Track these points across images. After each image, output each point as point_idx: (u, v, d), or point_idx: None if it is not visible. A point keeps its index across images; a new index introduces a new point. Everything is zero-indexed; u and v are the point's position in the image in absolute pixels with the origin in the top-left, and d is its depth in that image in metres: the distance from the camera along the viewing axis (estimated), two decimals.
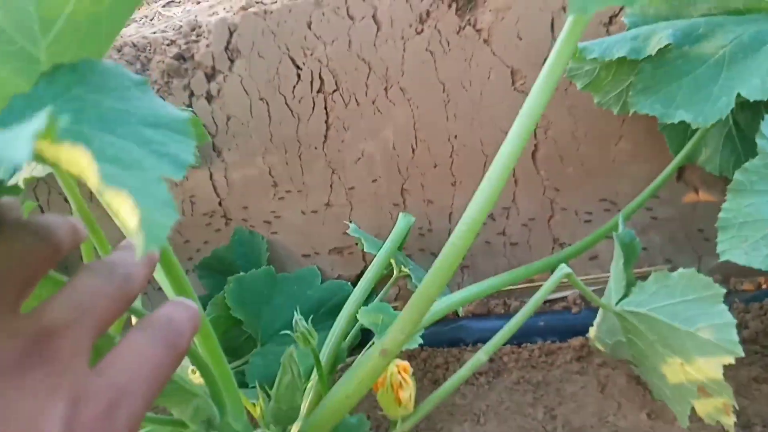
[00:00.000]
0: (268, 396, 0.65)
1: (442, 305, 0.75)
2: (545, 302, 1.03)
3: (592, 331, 0.81)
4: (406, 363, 0.65)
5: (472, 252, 1.05)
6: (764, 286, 0.93)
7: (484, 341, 0.97)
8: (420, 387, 0.94)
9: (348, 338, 0.86)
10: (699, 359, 0.60)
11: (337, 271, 1.09)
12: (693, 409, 0.69)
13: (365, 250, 0.85)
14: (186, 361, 0.56)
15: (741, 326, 0.87)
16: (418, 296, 0.54)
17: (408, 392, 0.63)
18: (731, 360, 0.58)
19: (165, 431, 0.58)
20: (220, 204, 1.07)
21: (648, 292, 0.65)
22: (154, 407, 0.53)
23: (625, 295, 0.68)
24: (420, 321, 0.56)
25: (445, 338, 1.00)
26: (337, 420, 0.61)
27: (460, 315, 1.02)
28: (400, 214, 0.89)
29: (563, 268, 0.63)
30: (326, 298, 1.02)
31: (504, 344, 0.96)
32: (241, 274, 0.99)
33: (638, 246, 0.73)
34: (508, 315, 1.01)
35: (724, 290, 0.60)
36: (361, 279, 0.84)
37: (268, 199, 1.04)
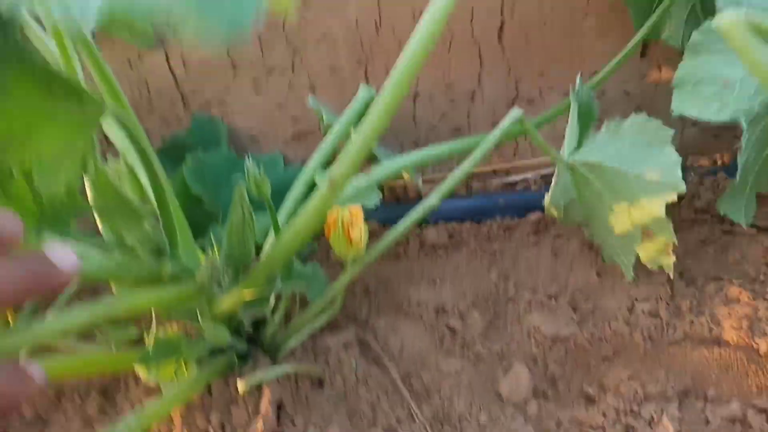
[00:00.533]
0: None
1: (397, 164, 0.75)
2: (505, 184, 1.04)
3: (547, 198, 0.82)
4: (357, 207, 0.65)
5: (439, 137, 1.04)
6: (719, 163, 0.95)
7: (446, 220, 0.99)
8: (381, 263, 0.95)
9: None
10: (644, 200, 0.61)
11: (299, 157, 1.08)
12: (638, 262, 0.71)
13: (324, 121, 0.84)
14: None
15: (695, 197, 0.88)
16: (363, 127, 0.53)
17: (358, 231, 0.63)
18: (674, 197, 0.59)
19: (115, 260, 0.57)
20: (177, 88, 1.04)
21: (599, 141, 0.66)
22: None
23: (578, 148, 0.68)
24: (366, 153, 0.55)
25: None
26: (288, 256, 0.61)
27: (422, 196, 1.03)
28: (361, 86, 0.88)
29: (516, 111, 0.63)
30: (289, 182, 1.01)
31: (463, 221, 0.98)
32: (200, 153, 0.97)
33: (595, 105, 0.73)
34: (470, 196, 1.02)
35: (672, 131, 0.61)
36: (318, 147, 0.83)
37: (228, 82, 1.02)
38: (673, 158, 0.58)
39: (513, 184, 1.03)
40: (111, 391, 0.77)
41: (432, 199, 0.65)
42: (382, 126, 0.54)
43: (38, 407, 0.76)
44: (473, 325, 0.76)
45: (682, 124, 0.97)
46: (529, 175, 1.02)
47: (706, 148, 0.97)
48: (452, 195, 1.03)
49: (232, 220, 0.61)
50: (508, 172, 1.04)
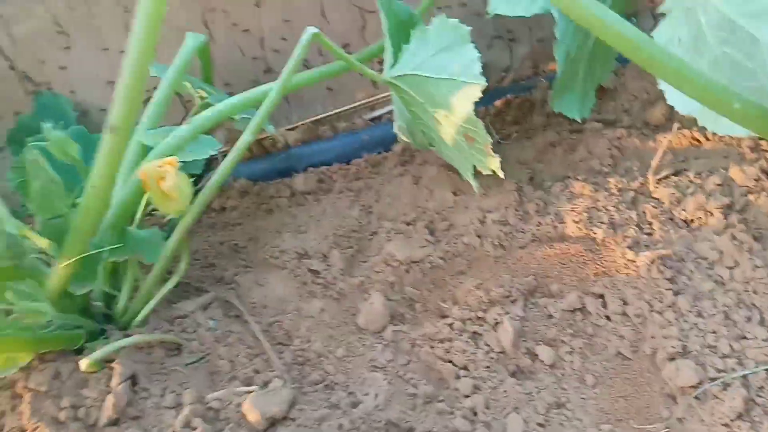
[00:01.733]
0: None
1: (215, 111, 0.71)
2: (371, 119, 1.02)
3: (395, 127, 0.81)
4: (170, 158, 0.61)
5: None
6: None
7: (315, 166, 0.97)
8: (254, 218, 0.93)
9: None
10: (455, 103, 0.60)
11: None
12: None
13: (152, 74, 0.79)
14: None
15: (545, 102, 0.89)
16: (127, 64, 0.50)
17: (170, 182, 0.60)
18: (478, 93, 0.58)
19: None
20: (11, 68, 0.96)
21: (411, 52, 0.64)
22: None
23: (395, 63, 0.66)
24: (141, 89, 0.52)
25: (276, 170, 0.97)
26: (98, 214, 0.58)
27: (290, 144, 1.00)
28: (188, 34, 0.83)
29: (310, 29, 0.60)
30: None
31: (331, 164, 0.96)
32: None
33: (415, 16, 0.71)
34: (335, 138, 1.00)
35: (469, 28, 0.59)
36: (149, 102, 0.78)
37: (60, 50, 0.95)
38: (472, 54, 0.57)
39: (379, 118, 1.01)
40: None
41: (246, 136, 0.62)
42: (147, 53, 0.50)
43: None
44: (334, 264, 0.75)
45: (530, 34, 0.97)
46: (391, 107, 1.00)
47: (550, 54, 0.97)
48: (318, 139, 1.01)
49: (33, 188, 0.58)
50: (372, 108, 1.02)
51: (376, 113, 1.01)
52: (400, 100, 0.69)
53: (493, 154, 0.62)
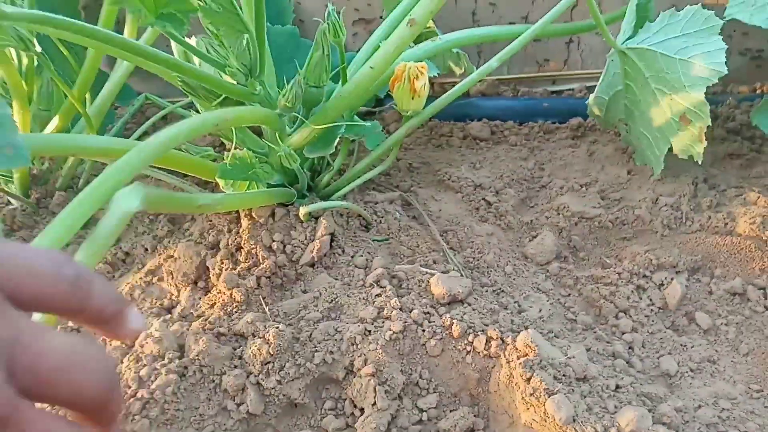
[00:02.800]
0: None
1: (459, 36, 0.80)
2: (552, 92, 1.09)
3: (591, 97, 0.87)
4: (422, 63, 0.71)
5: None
6: (758, 91, 0.99)
7: (490, 119, 1.05)
8: (424, 149, 1.02)
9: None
10: (687, 85, 0.67)
11: (358, 45, 1.14)
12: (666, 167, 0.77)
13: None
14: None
15: (729, 119, 0.94)
16: None
17: (422, 82, 0.69)
18: (715, 80, 0.64)
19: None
20: None
21: (654, 30, 0.71)
22: None
23: (632, 36, 0.73)
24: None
25: (453, 113, 1.06)
26: (362, 93, 0.68)
27: (470, 93, 1.09)
28: None
29: None
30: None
31: (506, 120, 1.04)
32: (267, 24, 1.03)
33: (652, 6, 0.78)
34: (515, 98, 1.07)
35: (721, 21, 0.65)
36: (380, 26, 0.88)
37: None
38: (719, 45, 0.63)
39: (559, 93, 1.08)
40: (178, 218, 0.86)
41: (492, 62, 0.70)
42: None
43: None
44: (507, 200, 0.83)
45: (729, 55, 1.01)
46: (575, 85, 1.07)
47: (748, 77, 1.01)
48: (498, 95, 1.09)
49: (312, 57, 0.68)
50: (554, 81, 1.09)
51: (557, 87, 1.08)
52: (622, 72, 0.76)
53: (704, 140, 0.68)
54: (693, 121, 0.68)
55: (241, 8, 0.69)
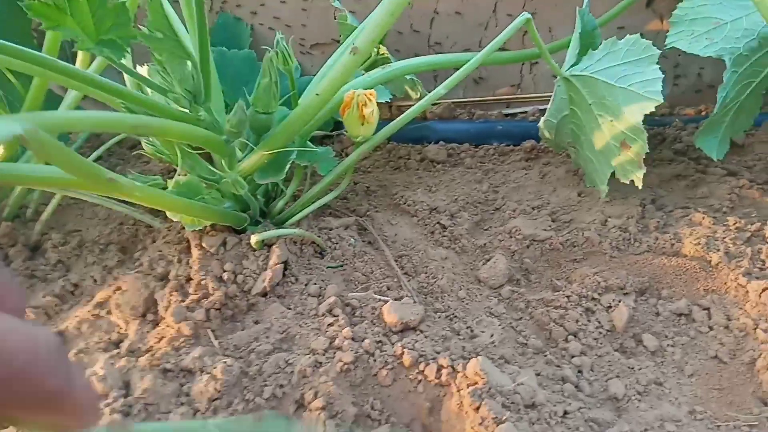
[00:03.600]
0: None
1: (410, 63, 0.81)
2: (506, 115, 1.11)
3: (541, 120, 0.89)
4: (372, 90, 0.72)
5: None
6: (703, 113, 1.02)
7: (447, 141, 1.06)
8: (382, 172, 1.03)
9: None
10: (626, 111, 0.69)
11: (315, 68, 1.14)
12: (614, 189, 0.79)
13: (347, 21, 0.89)
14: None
15: (676, 140, 0.97)
16: (384, 4, 0.60)
17: (371, 109, 0.70)
18: (652, 107, 0.66)
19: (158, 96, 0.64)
20: None
21: (596, 58, 0.73)
22: None
23: (576, 63, 0.75)
24: (388, 24, 0.62)
25: (411, 136, 1.07)
26: (309, 118, 0.68)
27: (427, 117, 1.10)
28: None
29: (525, 14, 0.70)
30: (302, 90, 1.07)
31: (462, 143, 1.05)
32: (223, 48, 1.03)
33: (597, 33, 0.80)
34: (471, 121, 1.09)
35: (659, 51, 0.68)
36: (336, 51, 0.89)
37: None
38: (656, 74, 0.65)
39: (513, 116, 1.10)
40: (129, 248, 0.84)
41: (440, 89, 0.71)
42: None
43: (61, 255, 0.84)
44: (462, 224, 0.84)
45: (673, 76, 1.04)
46: (528, 108, 1.09)
47: (692, 100, 1.04)
48: (454, 118, 1.10)
49: (260, 84, 0.68)
50: (508, 104, 1.11)
51: (511, 110, 1.10)
52: (567, 98, 0.78)
53: (642, 165, 0.70)
54: (632, 146, 0.70)
55: (188, 33, 0.69)
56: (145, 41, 0.57)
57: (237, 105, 0.64)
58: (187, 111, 0.63)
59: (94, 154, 0.92)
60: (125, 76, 0.70)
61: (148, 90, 0.68)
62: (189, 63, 0.60)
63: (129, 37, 0.56)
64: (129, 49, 0.58)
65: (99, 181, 0.53)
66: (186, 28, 0.71)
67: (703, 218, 0.79)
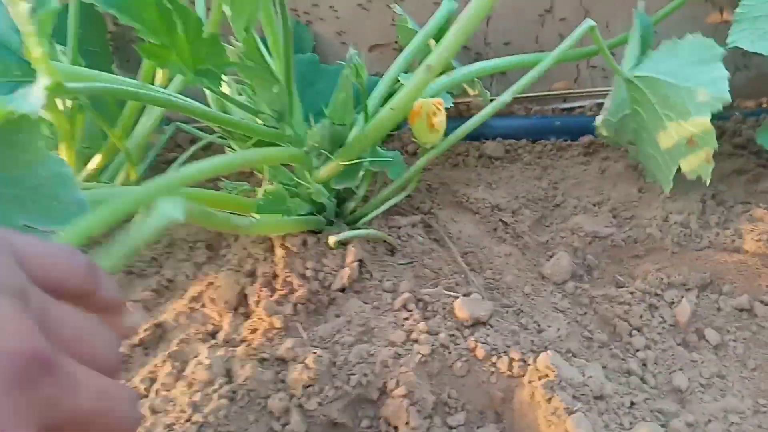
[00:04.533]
0: None
1: (474, 68, 0.85)
2: (563, 110, 1.13)
3: (599, 119, 0.91)
4: (439, 98, 0.76)
5: None
6: (765, 105, 1.02)
7: (504, 137, 1.09)
8: (442, 169, 1.07)
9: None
10: (693, 112, 0.71)
11: (375, 69, 1.18)
12: (675, 184, 0.81)
13: (407, 25, 0.93)
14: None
15: (735, 134, 0.97)
16: (462, 19, 0.64)
17: (440, 118, 0.74)
18: (720, 106, 0.68)
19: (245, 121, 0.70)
20: None
21: (657, 59, 0.75)
22: None
23: (637, 64, 0.77)
24: (462, 42, 0.66)
25: (468, 133, 1.11)
26: (383, 131, 0.73)
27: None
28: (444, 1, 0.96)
29: (588, 22, 0.72)
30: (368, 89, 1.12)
31: (519, 139, 1.08)
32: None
33: (652, 32, 0.82)
34: (528, 117, 1.12)
35: (723, 50, 0.69)
36: (400, 55, 0.93)
37: None
38: (722, 73, 0.67)
39: (570, 110, 1.12)
40: (216, 245, 0.92)
41: (505, 96, 0.75)
42: (476, 19, 0.64)
43: (154, 252, 0.92)
44: (523, 221, 0.88)
45: (734, 69, 1.04)
46: (585, 102, 1.11)
47: (753, 93, 1.04)
48: (511, 114, 1.13)
49: (337, 98, 0.73)
50: (565, 99, 1.13)
51: (568, 105, 1.12)
52: (629, 98, 0.80)
53: (712, 161, 0.72)
54: (700, 145, 0.72)
55: (270, 55, 0.74)
56: (238, 70, 0.63)
57: (321, 124, 0.69)
58: (274, 128, 0.69)
59: (180, 159, 1.00)
60: (208, 94, 0.77)
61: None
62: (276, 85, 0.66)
63: (224, 65, 0.62)
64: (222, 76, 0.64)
65: (228, 225, 0.60)
66: (266, 45, 0.77)
67: (765, 214, 0.81)
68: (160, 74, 0.90)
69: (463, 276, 0.79)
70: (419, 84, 0.68)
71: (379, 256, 0.81)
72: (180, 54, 0.62)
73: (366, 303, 0.75)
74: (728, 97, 0.67)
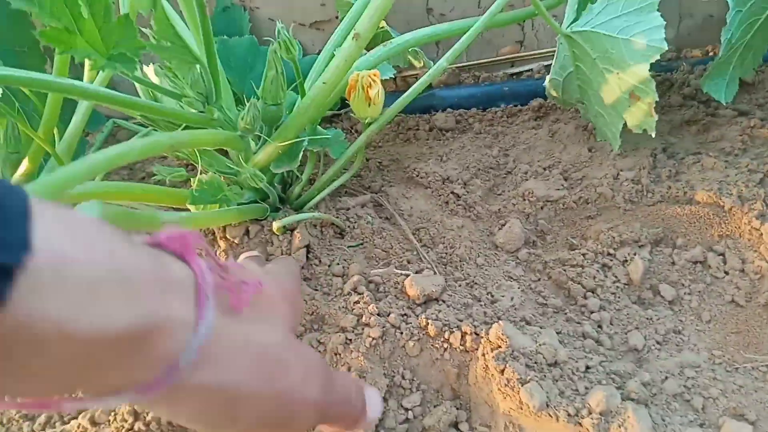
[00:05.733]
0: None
1: (410, 37, 0.82)
2: (511, 75, 1.11)
3: (547, 79, 0.89)
4: (375, 70, 0.73)
5: None
6: (711, 54, 1.01)
7: (454, 108, 1.07)
8: (393, 145, 1.04)
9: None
10: (632, 63, 0.68)
11: (317, 47, 1.14)
12: (625, 141, 0.79)
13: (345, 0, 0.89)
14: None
15: (684, 84, 0.96)
16: None
17: (376, 90, 0.71)
18: (657, 56, 0.66)
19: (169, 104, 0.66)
20: None
21: (595, 12, 0.72)
22: None
23: (576, 19, 0.75)
24: (387, 7, 0.63)
25: (418, 106, 1.08)
26: (319, 108, 0.70)
27: (432, 85, 1.10)
28: None
29: None
30: (306, 71, 1.08)
31: (469, 108, 1.05)
32: (225, 37, 1.04)
33: None
34: (477, 85, 1.09)
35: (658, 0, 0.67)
36: (336, 30, 0.89)
37: None
38: (658, 22, 0.65)
39: (518, 75, 1.09)
40: None
41: (442, 62, 0.72)
42: None
43: None
44: (475, 191, 0.86)
45: (679, 19, 1.03)
46: (533, 65, 1.09)
47: (699, 41, 1.03)
48: (460, 84, 1.10)
49: (267, 76, 0.69)
50: (513, 64, 1.10)
51: (516, 69, 1.10)
52: (570, 55, 0.78)
53: (654, 114, 0.70)
54: (642, 97, 0.70)
55: (190, 30, 0.70)
56: (153, 51, 0.59)
57: (250, 103, 0.66)
58: (201, 112, 0.65)
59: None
60: (137, 84, 0.72)
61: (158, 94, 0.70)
62: (198, 66, 0.62)
63: (138, 48, 0.57)
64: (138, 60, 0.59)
65: (155, 223, 0.57)
66: (187, 25, 0.72)
67: (715, 163, 0.80)
68: (87, 69, 0.85)
69: (414, 253, 0.77)
70: (349, 55, 0.65)
71: (327, 239, 0.78)
72: (89, 39, 0.57)
73: (315, 290, 0.72)
74: (665, 45, 0.64)
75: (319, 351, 0.64)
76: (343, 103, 1.09)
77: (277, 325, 0.37)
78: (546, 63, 1.07)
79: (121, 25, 0.58)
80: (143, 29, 0.62)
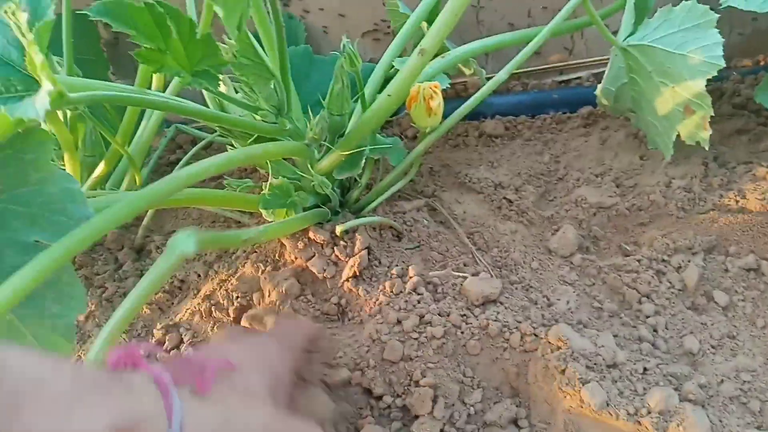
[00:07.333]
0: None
1: (466, 49, 0.85)
2: (560, 82, 1.13)
3: (599, 88, 0.91)
4: (436, 82, 0.76)
5: None
6: (761, 63, 1.01)
7: (503, 114, 1.09)
8: (442, 151, 1.07)
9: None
10: (688, 78, 0.71)
11: (369, 55, 1.18)
12: (677, 150, 0.81)
13: (398, 9, 0.93)
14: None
15: (735, 94, 0.97)
16: (452, 0, 0.64)
17: (437, 101, 0.74)
18: (714, 72, 0.68)
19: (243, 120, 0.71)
20: None
21: (652, 26, 0.75)
22: None
23: (632, 33, 0.77)
24: (453, 24, 0.66)
25: (467, 114, 1.11)
26: (381, 118, 0.74)
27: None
28: None
29: None
30: (364, 76, 1.12)
31: (518, 115, 1.08)
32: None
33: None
34: (525, 92, 1.11)
35: (717, 15, 0.69)
36: (393, 41, 0.93)
37: None
38: (716, 39, 0.67)
39: (567, 82, 1.12)
40: None
41: (502, 74, 0.75)
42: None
43: None
44: (527, 197, 0.88)
45: (729, 28, 1.03)
46: (582, 73, 1.11)
47: (750, 50, 1.03)
48: (509, 91, 1.13)
49: (333, 89, 0.74)
50: (562, 71, 1.12)
51: (565, 77, 1.12)
52: (625, 66, 0.80)
53: (708, 128, 0.72)
54: (696, 111, 0.72)
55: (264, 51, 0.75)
56: (234, 68, 0.63)
57: (319, 115, 0.70)
58: (273, 123, 0.70)
59: (183, 161, 1.01)
60: (205, 94, 0.77)
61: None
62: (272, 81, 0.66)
63: (220, 65, 0.62)
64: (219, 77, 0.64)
65: (238, 241, 0.64)
66: (260, 42, 0.77)
67: (767, 173, 0.81)
68: (156, 78, 0.90)
69: (470, 256, 0.80)
70: (414, 69, 0.68)
71: (386, 242, 0.81)
72: (176, 57, 0.62)
73: (375, 289, 0.76)
74: (722, 63, 0.66)
75: (379, 347, 0.68)
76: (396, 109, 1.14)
77: (257, 400, 0.39)
78: (595, 71, 1.09)
79: (204, 43, 0.63)
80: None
